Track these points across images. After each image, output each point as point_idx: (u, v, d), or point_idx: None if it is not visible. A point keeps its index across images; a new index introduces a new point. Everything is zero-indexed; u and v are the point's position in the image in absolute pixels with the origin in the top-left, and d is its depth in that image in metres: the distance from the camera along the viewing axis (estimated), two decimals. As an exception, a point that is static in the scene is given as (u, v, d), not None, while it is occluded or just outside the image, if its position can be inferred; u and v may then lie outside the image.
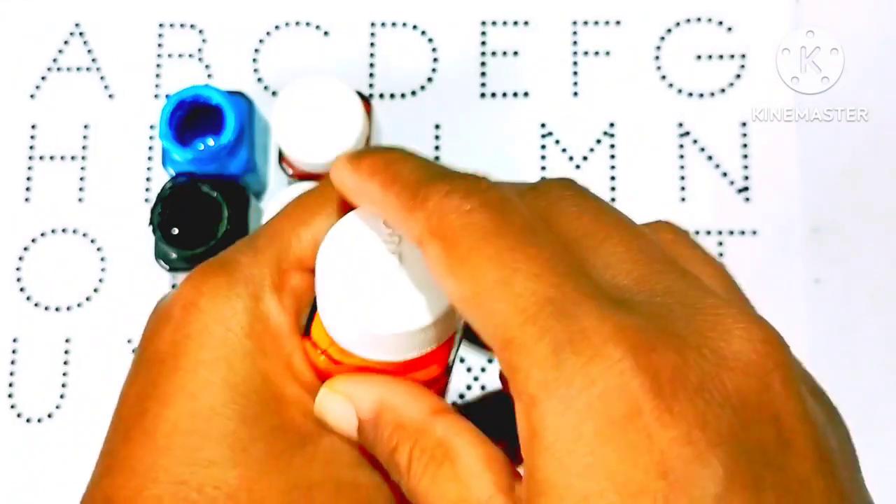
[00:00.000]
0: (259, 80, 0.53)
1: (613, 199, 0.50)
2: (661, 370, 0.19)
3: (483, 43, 0.53)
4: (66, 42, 0.53)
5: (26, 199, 0.52)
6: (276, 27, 0.53)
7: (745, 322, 0.20)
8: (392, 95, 0.52)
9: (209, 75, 0.53)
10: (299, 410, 0.24)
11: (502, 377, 0.24)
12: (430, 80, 0.52)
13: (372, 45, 0.53)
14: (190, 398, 0.23)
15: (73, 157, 0.52)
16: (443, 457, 0.22)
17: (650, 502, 0.18)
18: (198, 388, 0.24)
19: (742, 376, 0.20)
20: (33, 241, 0.51)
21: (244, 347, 0.24)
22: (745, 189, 0.50)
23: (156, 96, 0.53)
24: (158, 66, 0.53)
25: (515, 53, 0.52)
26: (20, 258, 0.51)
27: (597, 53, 0.52)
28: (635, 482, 0.18)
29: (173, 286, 0.50)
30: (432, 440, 0.23)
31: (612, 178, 0.51)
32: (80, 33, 0.54)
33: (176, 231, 0.46)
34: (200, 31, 0.53)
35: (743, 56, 0.52)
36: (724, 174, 0.51)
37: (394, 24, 0.53)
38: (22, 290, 0.51)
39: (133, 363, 0.25)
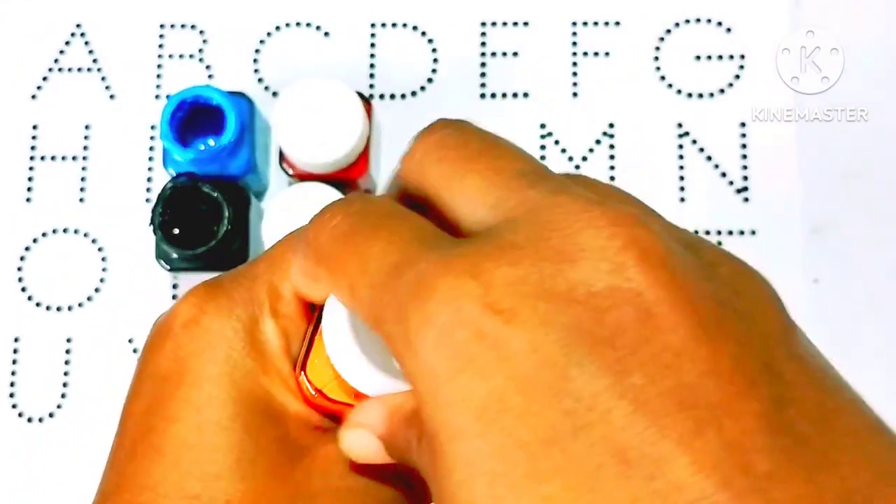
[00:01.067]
0: (260, 80, 0.53)
1: (613, 200, 0.51)
2: (494, 286, 0.18)
3: (483, 44, 0.53)
4: (67, 42, 0.54)
5: (27, 200, 0.52)
6: (277, 28, 0.53)
7: (591, 211, 0.19)
8: (392, 96, 0.52)
9: (210, 76, 0.53)
10: (299, 424, 0.25)
11: None
12: (430, 80, 0.53)
13: (372, 45, 0.53)
14: (196, 413, 0.24)
15: (74, 158, 0.52)
16: None
17: (497, 412, 0.18)
18: (203, 404, 0.24)
19: (588, 265, 0.18)
20: (34, 241, 0.51)
21: (246, 365, 0.25)
22: (744, 189, 0.50)
23: (157, 97, 0.53)
24: (159, 66, 0.53)
25: (515, 54, 0.53)
26: (21, 258, 0.51)
27: (596, 54, 0.52)
28: (485, 402, 0.18)
29: (174, 286, 0.50)
30: None
31: (612, 178, 0.51)
32: (82, 34, 0.54)
33: (177, 231, 0.46)
34: (201, 32, 0.54)
35: (742, 57, 0.52)
36: (724, 174, 0.51)
37: (394, 25, 0.53)
38: (23, 289, 0.51)
39: (135, 380, 0.25)
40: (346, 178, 0.47)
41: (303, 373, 0.26)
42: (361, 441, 0.24)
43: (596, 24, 0.53)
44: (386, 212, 0.22)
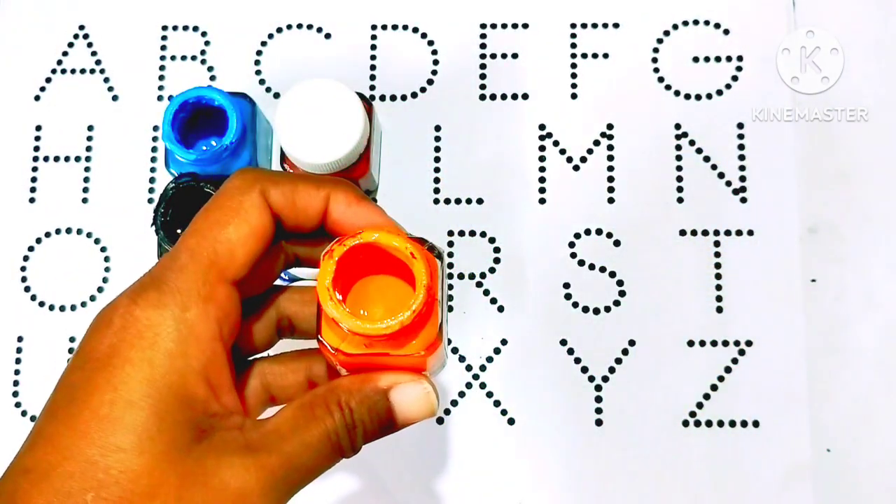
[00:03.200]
0: (261, 81, 0.53)
1: (611, 200, 0.51)
2: None
3: (483, 45, 0.53)
4: (70, 44, 0.54)
5: (31, 200, 0.52)
6: (279, 30, 0.54)
7: None
8: (393, 97, 0.53)
9: (212, 77, 0.53)
10: (204, 409, 0.29)
11: None
12: (430, 81, 0.53)
13: (373, 47, 0.53)
14: (112, 390, 0.27)
15: (77, 158, 0.53)
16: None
17: None
18: (120, 382, 0.27)
19: None
20: (38, 241, 0.52)
21: (168, 350, 0.28)
22: (742, 190, 0.51)
23: (159, 98, 0.53)
24: (162, 68, 0.54)
25: (515, 55, 0.53)
26: (25, 258, 0.52)
27: (595, 56, 0.53)
28: None
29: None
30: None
31: (611, 178, 0.51)
32: (85, 35, 0.54)
33: (179, 231, 0.46)
34: (203, 34, 0.54)
35: (740, 58, 0.52)
36: (721, 175, 0.51)
37: (394, 27, 0.53)
38: (27, 289, 0.51)
39: (72, 360, 0.29)
40: (348, 178, 0.47)
41: (319, 336, 0.31)
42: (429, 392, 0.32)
43: (595, 25, 0.53)
44: None
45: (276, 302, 0.34)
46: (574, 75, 0.52)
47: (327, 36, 0.54)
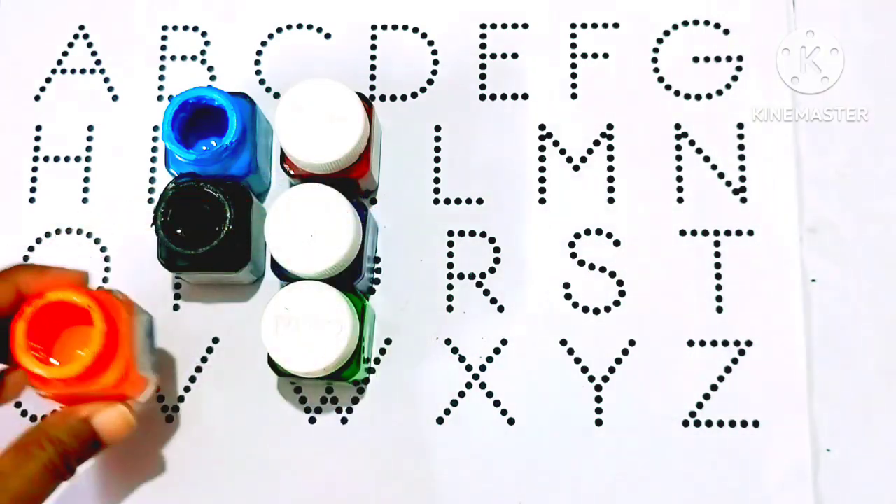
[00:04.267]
0: (261, 82, 0.53)
1: (612, 200, 0.51)
2: None
3: (483, 45, 0.53)
4: (70, 44, 0.54)
5: (31, 200, 0.52)
6: (279, 30, 0.54)
7: None
8: (393, 97, 0.53)
9: (212, 77, 0.53)
10: None
11: None
12: (430, 82, 0.53)
13: (373, 47, 0.53)
14: None
15: (77, 159, 0.53)
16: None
17: None
18: None
19: None
20: (38, 241, 0.52)
21: None
22: (742, 189, 0.51)
23: (159, 98, 0.53)
24: (162, 68, 0.54)
25: (515, 56, 0.53)
26: (25, 258, 0.52)
27: (595, 56, 0.53)
28: None
29: (177, 286, 0.50)
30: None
31: (610, 178, 0.51)
32: (85, 35, 0.54)
33: (179, 231, 0.46)
34: (203, 34, 0.54)
35: (739, 58, 0.52)
36: (721, 175, 0.51)
37: (394, 27, 0.53)
38: (27, 289, 0.51)
39: None
40: (348, 178, 0.47)
41: (30, 382, 0.41)
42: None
43: (595, 25, 0.53)
44: None
45: None
46: (574, 75, 0.52)
47: (327, 36, 0.54)
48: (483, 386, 0.49)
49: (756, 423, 0.48)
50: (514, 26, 0.53)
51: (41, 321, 0.40)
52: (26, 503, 0.38)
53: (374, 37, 0.53)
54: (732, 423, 0.48)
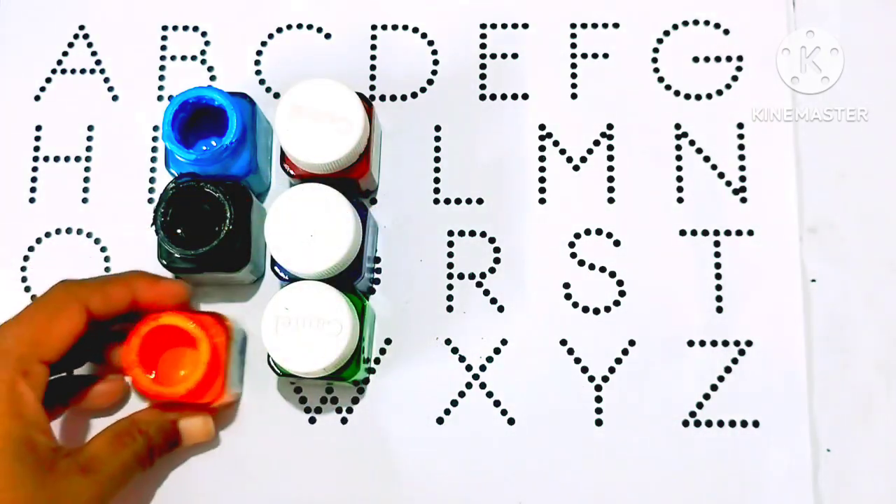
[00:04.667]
0: (261, 82, 0.53)
1: (612, 200, 0.51)
2: None
3: (483, 45, 0.53)
4: (70, 44, 0.54)
5: (31, 200, 0.52)
6: (279, 30, 0.54)
7: None
8: (393, 97, 0.53)
9: (212, 77, 0.53)
10: (46, 449, 0.41)
11: None
12: (430, 82, 0.53)
13: (373, 47, 0.53)
14: None
15: (77, 159, 0.53)
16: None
17: None
18: None
19: None
20: (38, 241, 0.52)
21: (10, 412, 0.40)
22: (742, 189, 0.51)
23: (159, 98, 0.53)
24: (162, 68, 0.54)
25: (515, 56, 0.53)
26: (25, 258, 0.52)
27: (595, 56, 0.53)
28: None
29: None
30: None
31: (610, 178, 0.51)
32: (85, 35, 0.54)
33: (179, 231, 0.46)
34: (203, 34, 0.54)
35: (739, 58, 0.52)
36: (721, 175, 0.51)
37: (394, 27, 0.53)
38: (27, 289, 0.51)
39: None
40: (348, 178, 0.47)
41: (136, 389, 0.48)
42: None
43: (595, 25, 0.53)
44: None
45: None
46: (574, 75, 0.52)
47: (327, 36, 0.54)
48: (483, 386, 0.49)
49: (756, 423, 0.48)
50: (514, 26, 0.53)
51: (153, 337, 0.45)
52: (117, 486, 0.43)
53: (374, 37, 0.53)
54: (732, 423, 0.48)
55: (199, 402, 0.46)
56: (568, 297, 0.50)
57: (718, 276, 0.50)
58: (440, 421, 0.49)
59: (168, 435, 0.46)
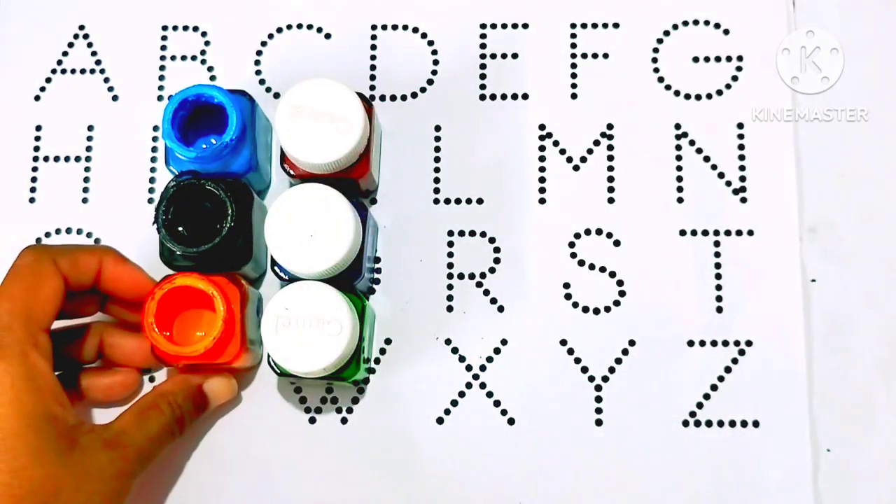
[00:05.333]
0: (261, 81, 0.53)
1: (611, 200, 0.51)
2: None
3: (483, 45, 0.53)
4: (70, 44, 0.54)
5: (31, 200, 0.52)
6: (279, 30, 0.54)
7: None
8: (393, 97, 0.53)
9: (212, 77, 0.53)
10: (64, 422, 0.40)
11: None
12: (430, 82, 0.53)
13: (373, 47, 0.53)
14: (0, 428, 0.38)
15: (77, 158, 0.53)
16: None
17: None
18: (3, 420, 0.38)
19: None
20: (38, 241, 0.52)
21: (26, 386, 0.39)
22: (742, 189, 0.51)
23: (159, 98, 0.53)
24: (162, 68, 0.54)
25: (515, 56, 0.53)
26: (25, 258, 0.52)
27: (595, 55, 0.53)
28: None
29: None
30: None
31: (610, 178, 0.51)
32: (85, 35, 0.54)
33: (181, 230, 0.46)
34: (203, 34, 0.54)
35: (739, 58, 0.52)
36: (721, 175, 0.51)
37: (394, 27, 0.53)
38: (27, 289, 0.51)
39: None
40: (348, 178, 0.47)
41: (156, 353, 0.45)
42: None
43: (595, 25, 0.53)
44: None
45: (99, 332, 0.47)
46: (574, 75, 0.52)
47: (327, 36, 0.54)
48: (483, 386, 0.49)
49: (756, 423, 0.48)
50: (514, 26, 0.53)
51: (168, 301, 0.45)
52: (147, 460, 0.43)
53: (374, 37, 0.53)
54: (732, 424, 0.48)
55: (220, 363, 0.46)
56: (568, 297, 0.50)
57: (718, 276, 0.50)
58: (440, 421, 0.49)
59: (196, 399, 0.46)
